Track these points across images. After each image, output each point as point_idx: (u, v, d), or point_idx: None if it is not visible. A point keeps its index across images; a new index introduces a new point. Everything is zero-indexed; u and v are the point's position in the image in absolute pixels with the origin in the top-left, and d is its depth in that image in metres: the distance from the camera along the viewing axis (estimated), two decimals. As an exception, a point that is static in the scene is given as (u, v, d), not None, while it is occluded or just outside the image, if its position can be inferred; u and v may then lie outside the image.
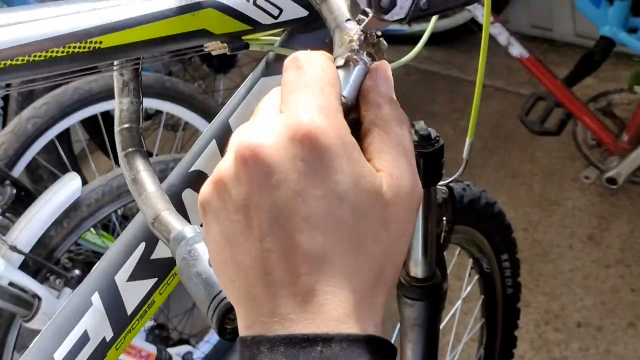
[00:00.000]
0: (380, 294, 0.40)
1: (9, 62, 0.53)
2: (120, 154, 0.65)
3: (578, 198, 2.24)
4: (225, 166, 0.39)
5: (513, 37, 1.98)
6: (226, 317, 0.49)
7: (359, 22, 0.44)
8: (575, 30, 2.72)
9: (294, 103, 0.40)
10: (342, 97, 0.42)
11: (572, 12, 2.65)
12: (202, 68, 2.36)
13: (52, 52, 0.55)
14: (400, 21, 0.46)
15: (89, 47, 0.56)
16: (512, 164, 2.39)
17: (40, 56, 0.54)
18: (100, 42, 0.57)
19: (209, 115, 1.87)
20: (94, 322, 0.70)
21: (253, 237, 0.38)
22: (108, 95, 1.73)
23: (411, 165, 0.42)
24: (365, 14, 0.44)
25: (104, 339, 0.70)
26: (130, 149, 0.65)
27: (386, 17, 0.45)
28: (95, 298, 0.70)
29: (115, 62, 0.66)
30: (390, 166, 0.40)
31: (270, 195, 0.38)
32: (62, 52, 0.55)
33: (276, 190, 0.38)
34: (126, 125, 0.66)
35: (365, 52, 0.44)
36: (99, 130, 1.86)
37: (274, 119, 0.39)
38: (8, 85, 1.73)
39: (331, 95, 0.40)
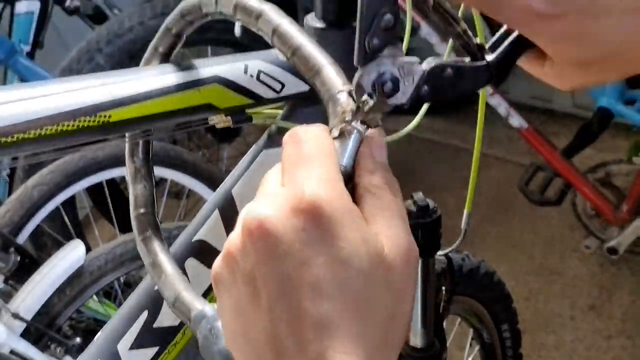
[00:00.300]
0: (390, 356, 0.41)
1: (21, 135, 0.55)
2: (137, 239, 0.67)
3: (579, 268, 2.24)
4: (233, 239, 0.41)
5: (512, 109, 2.01)
6: None
7: (362, 104, 0.46)
8: (574, 102, 2.77)
9: (295, 176, 0.41)
10: (341, 166, 0.43)
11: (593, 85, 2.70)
12: (206, 137, 2.39)
13: (62, 125, 0.57)
14: (401, 106, 0.48)
15: (98, 121, 0.59)
16: (512, 234, 2.40)
17: (51, 130, 0.57)
18: (109, 116, 0.59)
19: (212, 183, 1.89)
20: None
21: (261, 307, 0.39)
22: (113, 163, 1.75)
23: (405, 226, 0.43)
24: (370, 96, 0.46)
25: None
26: (147, 233, 0.66)
27: (388, 101, 0.47)
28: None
29: (127, 134, 0.68)
30: (385, 229, 0.41)
31: (276, 266, 0.39)
32: (73, 125, 0.57)
33: (282, 260, 0.39)
34: (142, 210, 0.68)
35: (359, 121, 0.45)
36: (103, 197, 1.88)
37: (277, 192, 0.41)
38: (15, 159, 1.76)
39: (330, 166, 0.42)
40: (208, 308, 0.56)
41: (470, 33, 0.50)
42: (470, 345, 1.30)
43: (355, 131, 0.45)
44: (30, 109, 0.55)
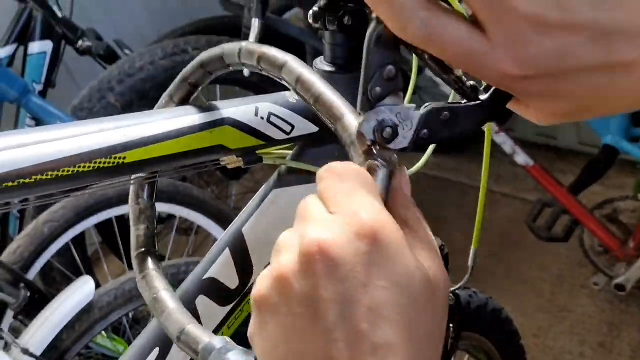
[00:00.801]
0: None
1: (39, 176, 0.57)
2: (138, 277, 0.68)
3: (588, 304, 2.24)
4: (286, 262, 0.42)
5: (518, 146, 2.03)
6: None
7: (367, 152, 0.49)
8: (580, 139, 2.79)
9: (346, 204, 0.42)
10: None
11: (575, 121, 2.71)
12: (215, 174, 2.42)
13: (79, 167, 0.59)
14: (404, 150, 0.50)
15: (114, 162, 0.60)
16: (521, 270, 2.40)
17: (68, 171, 0.58)
18: (124, 158, 0.61)
19: (221, 220, 1.91)
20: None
21: (320, 328, 0.40)
22: (122, 200, 1.77)
23: (439, 258, 0.45)
24: (374, 144, 0.48)
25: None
26: (148, 271, 0.68)
27: (390, 146, 0.49)
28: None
29: (133, 176, 0.70)
30: (426, 260, 0.43)
31: (337, 288, 0.40)
32: (89, 167, 0.59)
33: (343, 283, 0.40)
34: (143, 250, 0.69)
35: (381, 158, 0.48)
36: (112, 234, 1.90)
37: (331, 218, 0.42)
38: (23, 201, 1.77)
39: (376, 197, 0.44)
40: (217, 340, 0.57)
41: (464, 78, 0.52)
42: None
43: (382, 167, 0.47)
44: (49, 152, 0.57)
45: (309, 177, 0.72)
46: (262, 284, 0.43)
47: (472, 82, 0.53)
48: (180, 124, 0.63)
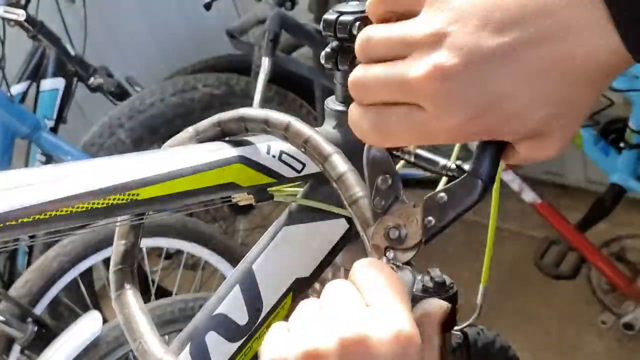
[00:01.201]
0: None
1: (54, 212, 0.58)
2: (114, 295, 0.69)
3: (596, 343, 2.22)
4: (323, 341, 0.43)
5: (525, 184, 2.03)
6: None
7: (390, 260, 0.53)
8: (587, 176, 2.79)
9: (392, 307, 0.45)
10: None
11: (582, 159, 2.72)
12: (223, 209, 2.42)
13: (93, 203, 0.60)
14: (418, 245, 0.53)
15: (127, 199, 0.61)
16: (528, 308, 2.39)
17: (82, 207, 0.59)
18: (137, 194, 0.62)
19: (228, 255, 1.91)
20: None
21: None
22: (131, 234, 1.78)
23: None
24: (387, 249, 0.53)
25: None
26: (123, 289, 0.68)
27: (404, 246, 0.52)
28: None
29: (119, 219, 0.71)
30: None
31: None
32: (102, 203, 0.60)
33: None
34: (120, 267, 0.70)
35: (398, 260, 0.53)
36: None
37: (373, 314, 0.44)
38: (33, 237, 1.78)
39: (409, 308, 0.46)
40: (168, 358, 0.57)
41: (449, 164, 0.55)
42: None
43: (406, 270, 0.52)
44: (64, 189, 0.58)
45: (319, 214, 0.73)
46: (298, 354, 0.44)
47: (457, 162, 0.56)
48: (194, 161, 0.64)
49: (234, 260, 1.91)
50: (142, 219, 0.72)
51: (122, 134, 2.01)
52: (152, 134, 2.03)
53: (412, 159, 0.57)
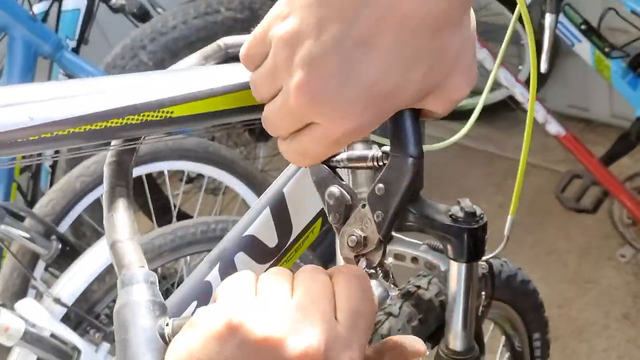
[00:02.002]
0: None
1: (89, 126, 0.57)
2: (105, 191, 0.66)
3: (613, 276, 2.23)
4: (214, 323, 0.43)
5: (550, 115, 2.01)
6: None
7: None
8: (612, 111, 2.75)
9: (355, 328, 0.45)
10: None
11: (609, 93, 2.68)
12: (244, 135, 2.42)
13: (128, 119, 0.59)
14: (380, 243, 0.55)
15: (161, 116, 0.60)
16: (547, 241, 2.39)
17: (117, 123, 0.59)
18: (172, 112, 0.61)
19: (249, 181, 1.92)
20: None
21: None
22: (152, 158, 1.79)
23: None
24: (357, 258, 0.57)
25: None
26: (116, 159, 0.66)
27: (368, 249, 0.56)
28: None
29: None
30: None
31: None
32: (137, 119, 0.59)
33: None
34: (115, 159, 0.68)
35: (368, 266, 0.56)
36: (141, 191, 1.91)
37: (336, 330, 0.44)
38: (57, 151, 1.79)
39: (331, 320, 0.44)
40: (141, 271, 0.55)
41: (376, 153, 0.58)
42: (501, 353, 1.31)
43: (379, 289, 0.57)
44: (100, 103, 0.57)
45: (351, 139, 0.72)
46: (217, 319, 0.44)
47: (382, 149, 0.57)
48: (229, 80, 0.63)
49: (254, 186, 1.91)
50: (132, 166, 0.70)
51: (144, 55, 1.99)
52: (173, 56, 2.01)
53: (346, 163, 0.59)
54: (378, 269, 0.57)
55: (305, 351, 0.42)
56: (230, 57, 0.68)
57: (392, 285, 0.58)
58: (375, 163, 0.57)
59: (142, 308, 0.52)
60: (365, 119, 0.47)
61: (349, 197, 0.57)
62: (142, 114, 0.59)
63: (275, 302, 0.44)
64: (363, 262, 0.55)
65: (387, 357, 0.51)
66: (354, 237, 0.55)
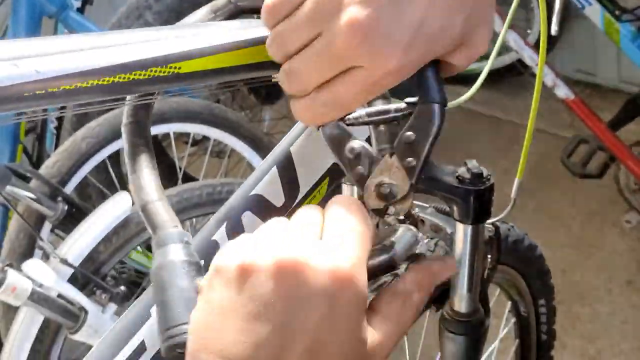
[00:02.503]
0: None
1: (96, 81, 0.57)
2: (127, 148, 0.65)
3: (618, 242, 2.23)
4: (260, 261, 0.45)
5: (559, 79, 2.00)
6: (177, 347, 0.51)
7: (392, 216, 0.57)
8: (620, 76, 2.73)
9: (339, 243, 0.46)
10: (394, 254, 0.52)
11: (617, 58, 2.66)
12: (249, 98, 2.41)
13: (135, 74, 0.58)
14: (411, 189, 0.55)
15: (169, 72, 0.60)
16: (551, 206, 2.39)
17: (124, 77, 0.58)
18: (179, 68, 0.60)
19: (255, 144, 1.91)
20: (152, 334, 0.72)
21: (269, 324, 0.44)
22: (158, 119, 1.78)
23: (399, 339, 0.49)
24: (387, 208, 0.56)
25: (159, 350, 0.73)
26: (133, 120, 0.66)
27: (399, 197, 0.56)
28: (154, 310, 0.73)
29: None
30: (385, 336, 0.48)
31: (288, 306, 0.44)
32: (144, 74, 0.59)
33: (302, 307, 0.44)
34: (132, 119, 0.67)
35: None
36: (148, 153, 1.91)
37: (318, 246, 0.46)
38: (62, 108, 1.78)
39: (365, 249, 0.47)
40: (175, 231, 0.56)
41: (400, 105, 0.56)
42: (506, 318, 1.31)
43: (409, 232, 0.55)
44: (106, 57, 0.57)
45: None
46: (230, 259, 0.46)
47: (406, 100, 0.57)
48: (236, 36, 0.63)
49: (260, 149, 1.91)
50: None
51: (150, 16, 1.97)
52: (179, 17, 1.97)
53: (366, 119, 0.57)
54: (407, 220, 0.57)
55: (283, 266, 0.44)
56: (240, 10, 0.67)
57: (420, 234, 0.57)
58: (400, 114, 0.57)
59: (178, 268, 0.53)
60: (409, 59, 0.48)
61: (371, 149, 0.56)
62: (149, 70, 0.59)
63: (269, 238, 0.47)
64: (392, 209, 0.55)
65: (413, 279, 0.52)
66: (384, 186, 0.55)
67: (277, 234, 0.48)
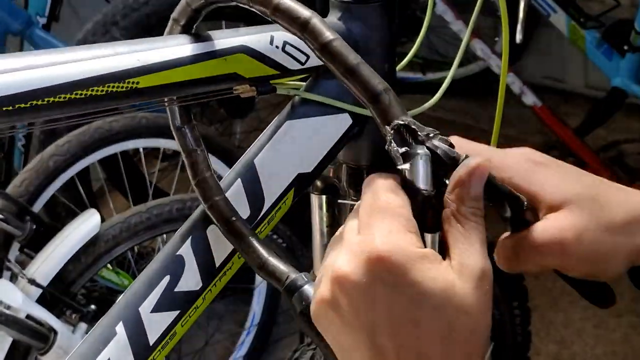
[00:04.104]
0: None
1: (52, 98, 0.56)
2: (205, 205, 0.70)
3: (589, 248, 2.24)
4: (323, 291, 0.48)
5: (526, 86, 2.01)
6: None
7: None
8: (587, 82, 2.76)
9: (370, 227, 0.48)
10: (423, 191, 0.48)
11: (584, 64, 2.69)
12: (219, 111, 2.40)
13: (92, 90, 0.58)
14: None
15: (127, 87, 0.60)
16: (523, 212, 2.40)
17: (80, 94, 0.58)
18: (137, 83, 0.60)
19: (225, 157, 1.90)
20: (117, 352, 0.72)
21: (363, 345, 0.46)
22: (127, 135, 1.77)
23: (483, 251, 0.49)
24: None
25: (127, 369, 0.72)
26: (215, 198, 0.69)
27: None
28: (120, 328, 0.72)
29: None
30: (464, 256, 0.48)
31: (362, 312, 0.46)
32: (102, 90, 0.58)
33: (369, 306, 0.46)
34: (206, 175, 0.70)
35: (423, 142, 0.51)
36: (117, 169, 1.89)
37: (354, 243, 0.48)
38: (31, 124, 1.77)
39: (401, 217, 0.48)
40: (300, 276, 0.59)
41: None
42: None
43: (419, 156, 0.49)
44: (62, 73, 0.56)
45: (323, 109, 0.71)
46: (317, 307, 0.50)
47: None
48: (195, 50, 0.62)
49: (231, 162, 1.89)
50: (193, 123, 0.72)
51: (116, 32, 1.96)
52: (146, 32, 1.99)
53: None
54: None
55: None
56: (199, 12, 0.65)
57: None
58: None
59: None
60: None
61: None
62: (106, 85, 0.58)
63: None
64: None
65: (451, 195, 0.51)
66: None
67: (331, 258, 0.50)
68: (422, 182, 0.48)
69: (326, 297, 0.48)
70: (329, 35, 0.54)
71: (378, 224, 0.48)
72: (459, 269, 0.47)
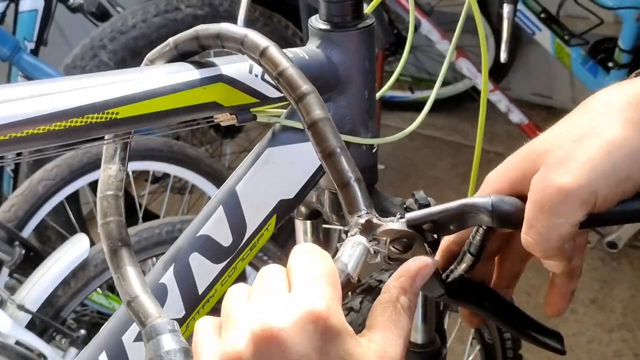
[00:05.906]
0: None
1: (31, 130, 0.57)
2: (105, 249, 0.66)
3: (580, 263, 2.25)
4: (239, 344, 0.45)
5: (513, 104, 2.03)
6: None
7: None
8: (574, 98, 2.78)
9: (308, 288, 0.47)
10: (350, 277, 0.51)
11: (570, 81, 2.71)
12: (209, 133, 2.41)
13: (71, 122, 0.58)
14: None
15: (106, 118, 0.60)
16: (513, 229, 2.41)
17: (60, 126, 0.58)
18: (117, 113, 0.60)
19: (215, 179, 1.91)
20: (102, 380, 0.72)
21: None
22: (117, 158, 1.77)
23: (404, 345, 0.50)
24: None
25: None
26: (117, 244, 0.66)
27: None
28: (103, 357, 0.72)
29: (106, 137, 0.68)
30: (388, 344, 0.49)
31: None
32: (81, 122, 0.59)
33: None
34: (110, 193, 0.69)
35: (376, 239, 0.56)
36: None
37: (287, 300, 0.46)
38: (19, 154, 1.77)
39: (336, 288, 0.48)
40: (162, 321, 0.56)
41: None
42: (471, 344, 1.31)
43: (362, 246, 0.54)
44: (41, 106, 0.56)
45: (303, 136, 0.72)
46: (209, 351, 0.46)
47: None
48: (174, 79, 0.63)
49: (220, 184, 1.89)
50: (126, 141, 0.70)
51: (104, 55, 1.97)
52: (134, 55, 2.00)
53: None
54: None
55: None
56: (180, 55, 0.66)
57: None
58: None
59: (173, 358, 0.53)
60: None
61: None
62: (85, 117, 0.59)
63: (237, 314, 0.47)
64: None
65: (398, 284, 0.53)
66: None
67: (243, 308, 0.47)
68: (351, 266, 0.52)
69: (241, 352, 0.45)
70: (319, 113, 0.58)
71: (317, 288, 0.47)
72: (381, 356, 0.48)
